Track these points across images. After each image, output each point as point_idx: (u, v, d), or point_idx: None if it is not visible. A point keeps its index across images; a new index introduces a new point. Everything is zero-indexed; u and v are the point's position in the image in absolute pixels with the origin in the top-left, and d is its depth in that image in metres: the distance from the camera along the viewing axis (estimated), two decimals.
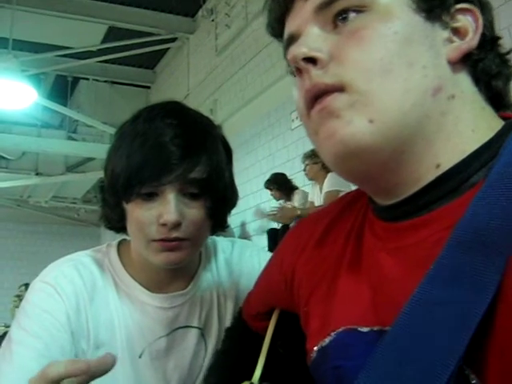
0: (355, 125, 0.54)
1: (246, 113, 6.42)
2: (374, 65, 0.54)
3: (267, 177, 5.42)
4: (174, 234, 0.88)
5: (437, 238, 0.52)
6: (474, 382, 0.45)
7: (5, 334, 8.42)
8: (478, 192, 0.50)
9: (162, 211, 0.88)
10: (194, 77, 8.06)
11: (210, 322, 1.02)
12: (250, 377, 0.71)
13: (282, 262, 0.75)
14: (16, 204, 10.75)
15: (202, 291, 1.03)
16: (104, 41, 8.40)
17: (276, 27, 0.64)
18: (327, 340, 0.60)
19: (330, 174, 4.11)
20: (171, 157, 0.87)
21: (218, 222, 0.97)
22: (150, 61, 9.45)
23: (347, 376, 0.56)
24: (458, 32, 0.57)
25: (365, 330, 0.56)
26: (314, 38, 0.57)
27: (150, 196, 0.89)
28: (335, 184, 4.04)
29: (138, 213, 0.90)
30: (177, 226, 0.88)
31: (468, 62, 0.58)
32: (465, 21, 0.57)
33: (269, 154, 6.00)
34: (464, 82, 0.57)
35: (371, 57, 0.54)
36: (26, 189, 9.97)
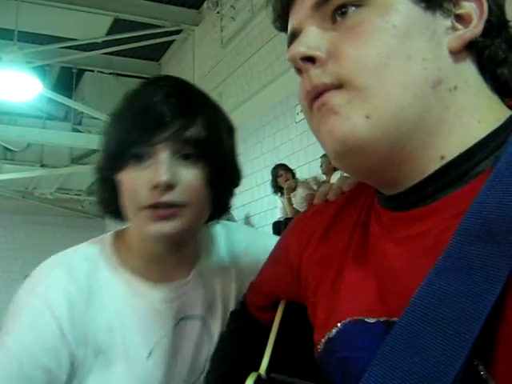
0: (352, 121, 0.53)
1: (250, 105, 6.40)
2: (371, 60, 0.53)
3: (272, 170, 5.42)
4: (166, 198, 0.81)
5: (444, 226, 0.52)
6: (482, 373, 0.44)
7: None
8: (486, 181, 0.49)
9: (154, 173, 0.81)
10: (199, 69, 8.04)
11: (213, 310, 0.96)
12: (255, 367, 0.71)
13: (288, 255, 0.75)
14: (21, 196, 10.77)
15: (205, 278, 0.97)
16: (109, 33, 8.38)
17: (281, 22, 0.64)
18: (334, 331, 0.60)
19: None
20: (163, 115, 0.81)
21: (219, 198, 0.90)
22: (155, 53, 9.43)
23: (354, 367, 0.56)
24: (462, 19, 0.55)
25: (372, 320, 0.56)
26: (312, 37, 0.56)
27: (142, 159, 0.83)
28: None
29: (130, 177, 0.83)
30: (169, 188, 0.81)
31: (473, 49, 0.56)
32: (469, 7, 0.55)
33: (273, 146, 6.00)
34: (468, 71, 0.56)
35: (368, 52, 0.53)
36: (31, 180, 9.99)
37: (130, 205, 0.85)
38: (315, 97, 0.56)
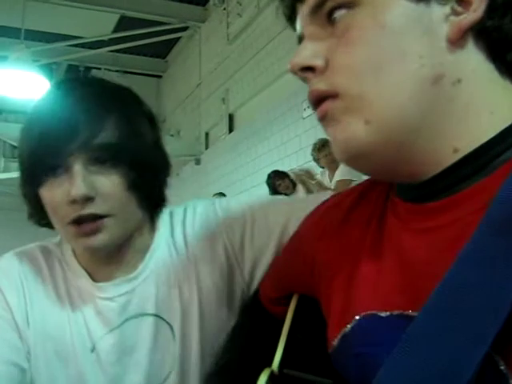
0: (352, 128, 0.53)
1: (257, 102, 6.40)
2: (363, 67, 0.52)
3: (279, 166, 5.41)
4: (88, 210, 0.77)
5: (467, 219, 0.51)
6: (502, 368, 0.43)
7: None
8: (511, 172, 0.48)
9: (70, 187, 0.76)
10: (205, 66, 8.05)
11: (169, 305, 0.88)
12: (268, 361, 0.71)
13: (301, 249, 0.75)
14: None
15: (157, 271, 0.89)
16: (115, 30, 8.40)
17: (291, 25, 0.63)
18: (349, 326, 0.59)
19: (342, 164, 4.09)
20: (71, 123, 0.77)
21: (147, 194, 0.84)
22: (162, 50, 9.44)
23: (370, 363, 0.55)
24: (464, 2, 0.52)
25: (384, 314, 0.55)
26: (309, 46, 0.56)
27: (57, 171, 0.78)
28: (348, 173, 4.05)
29: (49, 194, 0.79)
30: (88, 200, 0.77)
31: (481, 36, 0.53)
32: None
33: (281, 143, 5.99)
34: (474, 60, 0.53)
35: (359, 59, 0.52)
36: None
37: (56, 222, 0.82)
38: (315, 103, 0.57)
